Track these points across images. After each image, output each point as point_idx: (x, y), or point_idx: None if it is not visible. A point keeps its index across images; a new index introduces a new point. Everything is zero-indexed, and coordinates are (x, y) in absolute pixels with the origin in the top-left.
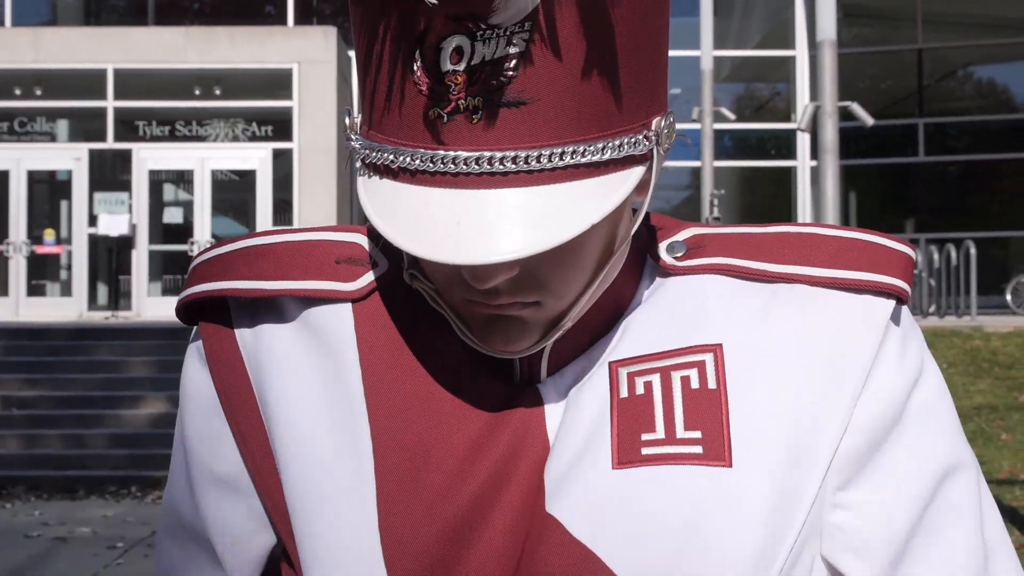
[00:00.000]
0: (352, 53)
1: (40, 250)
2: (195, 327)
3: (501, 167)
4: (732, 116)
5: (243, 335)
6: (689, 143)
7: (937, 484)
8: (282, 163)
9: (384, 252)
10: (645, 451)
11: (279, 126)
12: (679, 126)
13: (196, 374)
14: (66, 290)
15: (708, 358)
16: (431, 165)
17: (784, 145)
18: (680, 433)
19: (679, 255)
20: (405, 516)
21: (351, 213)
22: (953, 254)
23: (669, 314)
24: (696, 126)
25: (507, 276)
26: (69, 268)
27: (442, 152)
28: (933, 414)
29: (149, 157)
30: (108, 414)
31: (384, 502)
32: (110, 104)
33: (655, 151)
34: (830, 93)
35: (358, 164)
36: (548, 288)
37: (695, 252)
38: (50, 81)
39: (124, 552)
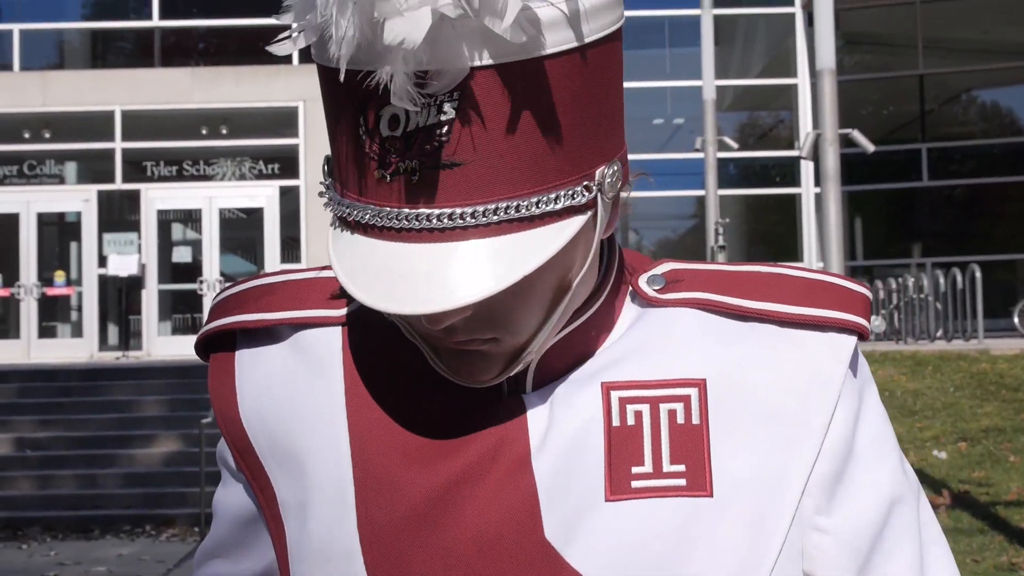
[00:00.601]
0: None
1: (50, 292)
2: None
3: (439, 223)
4: (735, 145)
5: (242, 362)
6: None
7: (888, 510)
8: (289, 200)
9: None
10: (635, 484)
11: (285, 164)
12: (684, 156)
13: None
14: (77, 331)
15: (693, 393)
16: (379, 220)
17: (788, 172)
18: (666, 467)
19: (658, 288)
20: (380, 509)
21: None
22: (959, 278)
23: (654, 344)
24: (700, 155)
25: (458, 318)
26: (79, 309)
27: (387, 208)
28: (880, 444)
29: (157, 197)
30: (121, 454)
31: (361, 499)
32: (118, 145)
33: (599, 199)
34: (830, 121)
35: (330, 216)
36: (503, 326)
37: (673, 286)
38: (58, 124)
39: None
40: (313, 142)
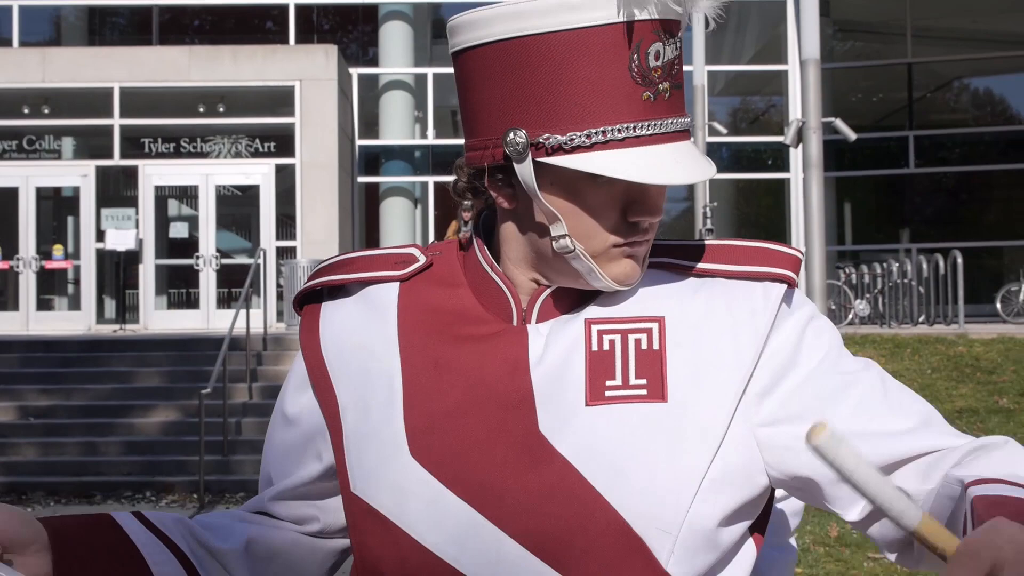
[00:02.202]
0: (353, 71)
1: (49, 265)
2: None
3: (681, 127)
4: (724, 130)
5: (325, 310)
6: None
7: (836, 361)
8: (284, 178)
9: (426, 253)
10: (608, 393)
11: (281, 142)
12: None
13: (295, 366)
14: (75, 304)
15: (654, 327)
16: (657, 129)
17: (778, 157)
18: (632, 380)
19: None
20: (420, 409)
21: (352, 226)
22: (941, 264)
23: (627, 293)
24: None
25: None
26: (77, 283)
27: (661, 120)
28: (824, 337)
29: (155, 173)
30: (121, 423)
31: (408, 402)
32: (116, 122)
33: None
34: (814, 109)
35: (548, 156)
36: (655, 228)
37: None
38: (57, 99)
39: None
40: (309, 121)
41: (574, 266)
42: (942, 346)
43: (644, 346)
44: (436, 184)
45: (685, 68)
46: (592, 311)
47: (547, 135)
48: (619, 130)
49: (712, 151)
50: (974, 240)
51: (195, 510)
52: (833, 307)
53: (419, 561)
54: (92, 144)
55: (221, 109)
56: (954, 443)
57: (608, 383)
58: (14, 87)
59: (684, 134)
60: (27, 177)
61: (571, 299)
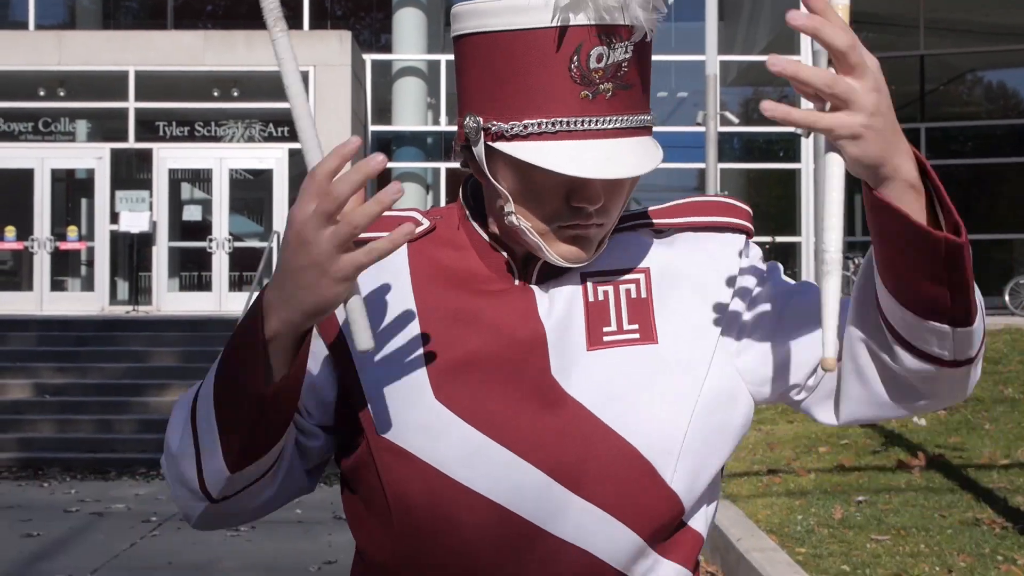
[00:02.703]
0: (366, 56)
1: (63, 246)
2: None
3: (624, 124)
4: (736, 120)
5: None
6: None
7: (784, 288)
8: (297, 163)
9: (427, 217)
10: (605, 339)
11: (295, 127)
12: (687, 129)
13: None
14: (88, 285)
15: (641, 277)
16: (591, 126)
17: (790, 147)
18: (625, 326)
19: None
20: (441, 356)
21: None
22: None
23: (616, 251)
24: (701, 129)
25: (603, 199)
26: (91, 264)
27: (597, 117)
28: (775, 274)
29: (169, 156)
30: (136, 401)
31: (428, 352)
32: (131, 105)
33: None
34: None
35: (494, 142)
36: (607, 214)
37: (627, 218)
38: (73, 82)
39: (159, 525)
40: (323, 107)
41: (525, 240)
42: None
43: (634, 295)
44: (448, 170)
45: (696, 58)
46: (587, 267)
47: (495, 122)
48: (554, 123)
49: (724, 141)
50: (984, 233)
51: None
52: (841, 297)
53: (451, 494)
54: (107, 127)
55: (235, 93)
56: None
57: (605, 329)
58: (30, 70)
59: (631, 131)
60: (42, 159)
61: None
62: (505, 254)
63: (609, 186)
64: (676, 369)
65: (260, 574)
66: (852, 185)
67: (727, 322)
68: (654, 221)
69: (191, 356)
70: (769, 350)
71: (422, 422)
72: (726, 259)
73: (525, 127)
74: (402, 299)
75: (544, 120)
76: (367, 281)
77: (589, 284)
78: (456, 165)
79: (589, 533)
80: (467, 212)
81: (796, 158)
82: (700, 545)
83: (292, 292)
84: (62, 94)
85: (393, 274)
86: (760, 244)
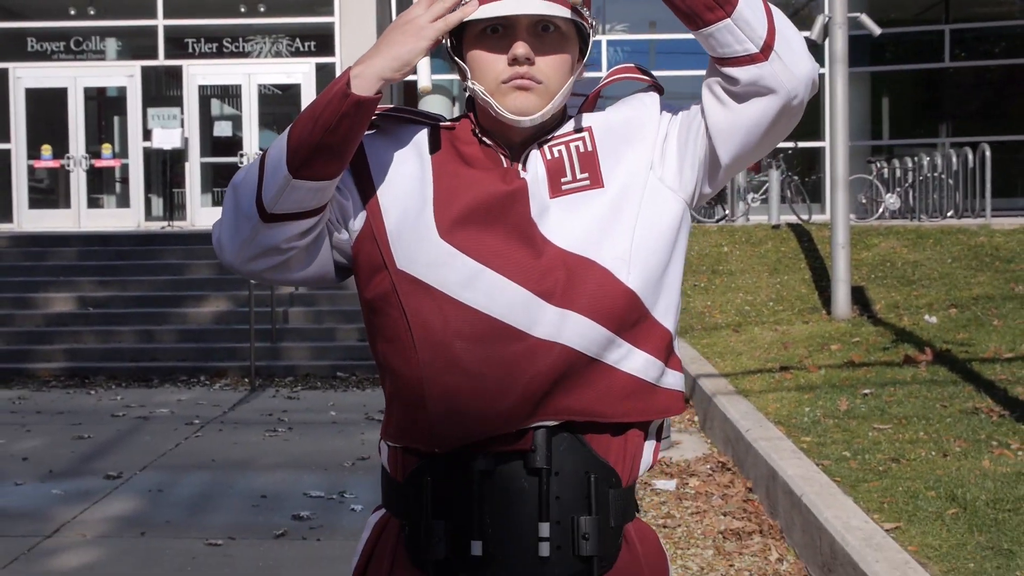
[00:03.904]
0: None
1: (98, 164)
2: None
3: None
4: None
5: (368, 142)
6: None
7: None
8: (324, 77)
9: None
10: (563, 187)
11: (321, 41)
12: None
13: None
14: (123, 202)
15: (586, 135)
16: None
17: (816, 50)
18: (578, 176)
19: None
20: (447, 209)
21: None
22: (970, 157)
23: (566, 124)
24: None
25: (531, 53)
26: (125, 181)
27: None
28: (678, 114)
29: (198, 73)
30: (175, 312)
31: (437, 203)
32: (160, 23)
33: (589, 39)
34: (840, 4)
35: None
36: (545, 76)
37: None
38: (103, 1)
39: (201, 427)
40: (348, 19)
41: (483, 105)
42: (964, 236)
43: (582, 149)
44: None
45: None
46: (543, 138)
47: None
48: None
49: None
50: (1011, 135)
51: (247, 392)
52: (863, 201)
53: (456, 312)
54: (137, 45)
55: (262, 9)
56: None
57: (562, 180)
58: None
59: None
60: (75, 78)
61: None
62: (497, 150)
63: (535, 44)
64: (621, 203)
65: (298, 469)
66: (879, 90)
67: (652, 156)
68: (588, 94)
69: (226, 268)
70: (677, 157)
71: (431, 256)
72: (648, 111)
73: (464, 2)
74: (422, 166)
75: None
76: (398, 150)
77: (545, 148)
78: None
79: (564, 330)
80: (474, 120)
81: (821, 63)
82: (668, 338)
83: (387, 49)
84: (92, 13)
85: (418, 148)
86: (784, 149)
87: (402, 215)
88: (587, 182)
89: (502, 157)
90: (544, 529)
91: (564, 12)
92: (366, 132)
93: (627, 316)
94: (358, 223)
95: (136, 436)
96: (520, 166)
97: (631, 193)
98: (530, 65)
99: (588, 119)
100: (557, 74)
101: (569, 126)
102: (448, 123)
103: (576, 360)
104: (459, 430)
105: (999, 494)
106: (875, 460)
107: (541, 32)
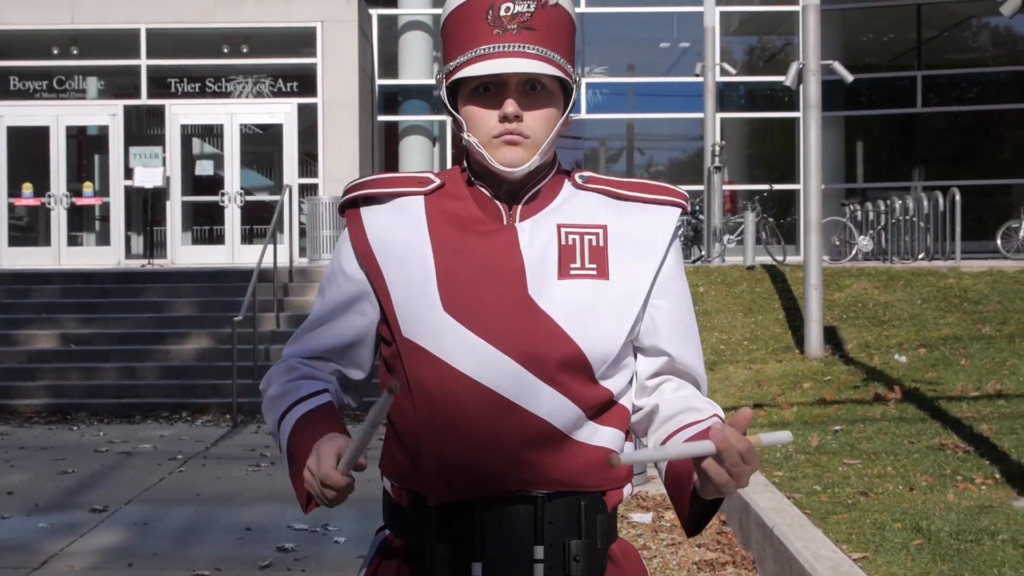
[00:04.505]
0: (372, 12)
1: (79, 202)
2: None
3: (522, 49)
4: (733, 71)
5: (366, 212)
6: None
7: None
8: (306, 117)
9: (438, 177)
10: (572, 272)
11: (304, 82)
12: (687, 79)
13: (344, 239)
14: (103, 239)
15: (600, 231)
16: (500, 49)
17: (792, 96)
18: (586, 265)
19: (582, 182)
20: (447, 279)
21: (372, 164)
22: (940, 201)
23: (579, 208)
24: (700, 79)
25: (520, 111)
26: (106, 219)
27: (504, 45)
28: (680, 269)
29: (181, 112)
30: (157, 349)
31: (439, 274)
32: (143, 62)
33: (573, 92)
34: (813, 52)
35: (447, 80)
36: (532, 131)
37: (590, 180)
38: (86, 41)
39: (185, 462)
40: (331, 62)
41: (477, 157)
42: (934, 278)
43: (594, 244)
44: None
45: (696, 9)
46: (560, 217)
47: (447, 66)
48: (475, 51)
49: (727, 89)
50: (984, 179)
51: (229, 428)
52: (837, 242)
53: (452, 379)
54: (120, 84)
55: (245, 50)
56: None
57: (572, 266)
58: (44, 29)
59: (533, 56)
60: (57, 116)
61: (539, 204)
62: (495, 201)
63: (523, 101)
64: (620, 302)
65: (282, 503)
66: (853, 135)
67: (654, 283)
68: (612, 189)
69: (208, 306)
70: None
71: (433, 328)
72: (665, 226)
73: (458, 61)
74: (420, 239)
75: (469, 51)
76: (398, 226)
77: (563, 231)
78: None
79: (546, 406)
80: (467, 171)
81: (796, 107)
82: (628, 415)
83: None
84: (75, 52)
85: (414, 219)
86: (760, 191)
87: (407, 288)
88: (594, 272)
89: (501, 210)
90: (539, 552)
91: (551, 71)
92: (363, 207)
93: (599, 405)
94: (376, 303)
95: (120, 471)
96: (517, 212)
97: (633, 301)
98: (519, 121)
99: (604, 213)
100: (543, 128)
101: (584, 211)
102: (438, 183)
103: (552, 433)
104: (451, 489)
105: (962, 526)
106: (844, 493)
107: (529, 90)
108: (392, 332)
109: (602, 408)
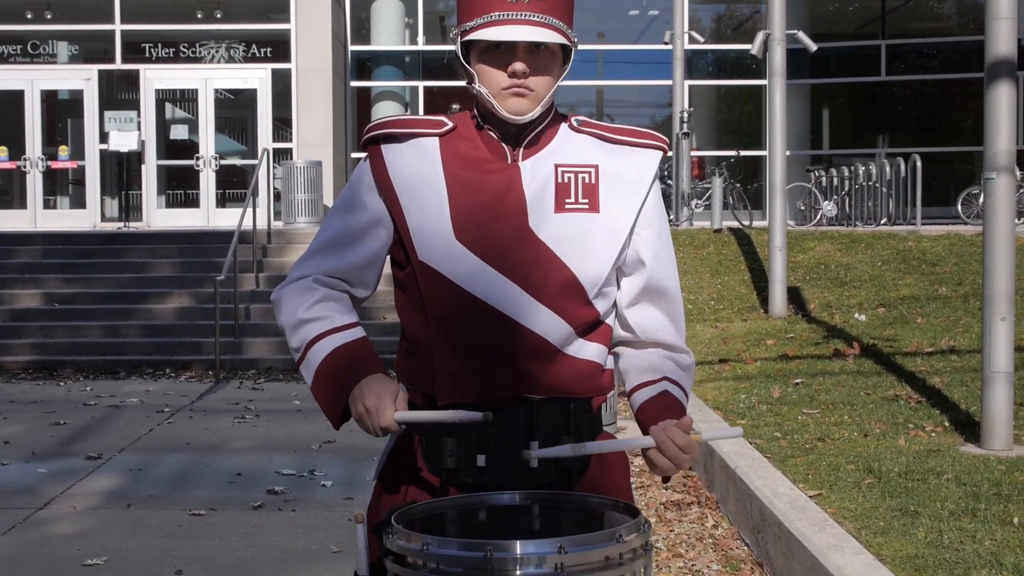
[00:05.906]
0: None
1: (55, 165)
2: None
3: (533, 18)
4: (701, 39)
5: (387, 149)
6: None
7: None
8: (280, 82)
9: (451, 120)
10: (566, 206)
11: (277, 47)
12: (656, 47)
13: (364, 171)
14: (78, 203)
15: (592, 170)
16: (516, 15)
17: (760, 64)
18: (579, 200)
19: (577, 124)
20: (459, 210)
21: (345, 129)
22: (902, 167)
23: (574, 149)
24: (669, 47)
25: (527, 68)
26: (81, 182)
27: (511, 13)
28: (660, 201)
29: (155, 77)
30: (140, 308)
31: (452, 205)
32: (117, 27)
33: (572, 52)
34: (779, 22)
35: (462, 38)
36: (537, 86)
37: (584, 124)
38: (60, 5)
39: (172, 415)
40: (304, 26)
41: (487, 105)
42: (893, 241)
43: (586, 181)
44: (426, 88)
45: None
46: (558, 158)
47: (463, 25)
48: (489, 16)
49: (695, 57)
50: (948, 146)
51: (212, 384)
52: (802, 207)
53: (461, 298)
54: (94, 49)
55: (218, 15)
56: (670, 342)
57: (567, 201)
58: None
59: (543, 25)
60: (32, 80)
61: (540, 146)
62: (501, 142)
63: (529, 60)
64: (609, 233)
65: (269, 451)
66: (819, 102)
67: (638, 216)
68: (603, 133)
69: (188, 267)
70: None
71: (446, 253)
72: (647, 167)
73: (474, 22)
74: (436, 175)
75: (485, 15)
76: (415, 162)
77: (559, 170)
78: (434, 83)
79: (541, 323)
80: (476, 117)
81: (763, 75)
82: (611, 332)
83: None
84: (49, 17)
85: (430, 157)
86: (727, 157)
87: (423, 218)
88: (586, 206)
89: (506, 150)
90: (533, 446)
91: (556, 38)
92: (384, 144)
93: (588, 323)
94: (391, 229)
95: (110, 422)
96: (520, 153)
97: (620, 232)
98: (525, 78)
99: (596, 154)
100: (545, 84)
101: (578, 152)
102: (451, 125)
103: (544, 346)
104: (459, 393)
105: (911, 467)
106: (803, 439)
107: (534, 50)
108: (408, 256)
109: (590, 327)
